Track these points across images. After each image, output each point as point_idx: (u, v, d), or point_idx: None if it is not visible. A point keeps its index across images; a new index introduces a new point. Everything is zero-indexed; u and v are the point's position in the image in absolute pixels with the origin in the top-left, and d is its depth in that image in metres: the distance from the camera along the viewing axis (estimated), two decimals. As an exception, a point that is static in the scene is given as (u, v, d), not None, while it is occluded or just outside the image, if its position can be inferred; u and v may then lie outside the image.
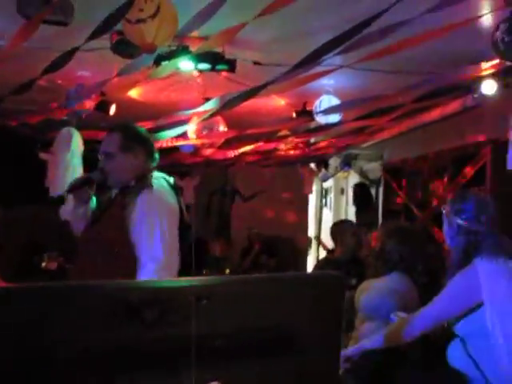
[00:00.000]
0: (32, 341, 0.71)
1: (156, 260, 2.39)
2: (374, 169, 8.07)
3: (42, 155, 5.62)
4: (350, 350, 2.73)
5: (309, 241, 9.97)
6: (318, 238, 8.63)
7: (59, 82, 4.71)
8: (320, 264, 4.97)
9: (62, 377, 0.73)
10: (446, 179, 5.65)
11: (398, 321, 2.62)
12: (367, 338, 2.71)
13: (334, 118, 4.65)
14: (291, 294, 0.92)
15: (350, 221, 5.79)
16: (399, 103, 4.08)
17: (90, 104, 4.37)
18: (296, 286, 0.94)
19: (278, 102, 5.40)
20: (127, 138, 2.61)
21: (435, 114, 4.98)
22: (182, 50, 3.34)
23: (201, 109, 4.12)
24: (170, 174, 2.78)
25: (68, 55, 3.00)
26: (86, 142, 4.99)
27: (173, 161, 6.31)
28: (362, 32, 2.79)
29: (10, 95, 3.52)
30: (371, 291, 3.16)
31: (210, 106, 3.96)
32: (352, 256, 4.40)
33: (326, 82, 4.55)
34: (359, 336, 3.06)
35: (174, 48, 3.41)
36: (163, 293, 0.83)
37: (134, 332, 0.78)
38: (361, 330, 3.11)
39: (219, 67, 3.59)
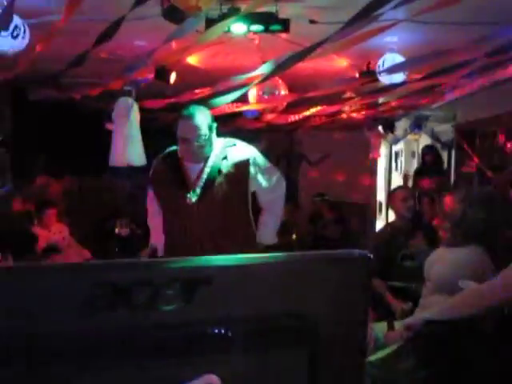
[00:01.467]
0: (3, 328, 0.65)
1: None
2: (446, 130, 7.69)
3: (108, 125, 5.72)
4: (412, 319, 2.61)
5: (378, 205, 9.74)
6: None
7: (118, 52, 4.76)
8: (378, 233, 4.85)
9: (37, 368, 0.67)
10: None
11: (466, 291, 2.45)
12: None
13: (399, 77, 4.40)
14: (308, 276, 0.82)
15: (403, 186, 5.57)
16: (470, 59, 3.77)
17: (148, 72, 4.37)
18: (314, 268, 0.83)
19: (340, 63, 5.19)
20: (208, 118, 2.86)
21: (510, 70, 4.59)
22: (233, 12, 3.22)
23: (257, 72, 4.01)
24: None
25: (116, 24, 2.97)
26: (146, 111, 5.03)
27: (236, 127, 6.26)
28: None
29: (68, 68, 3.56)
30: (445, 263, 2.95)
31: (265, 68, 3.84)
32: (411, 222, 4.23)
33: (389, 39, 4.31)
34: (426, 306, 2.90)
35: (225, 11, 3.30)
36: (156, 274, 0.75)
37: (121, 318, 0.71)
38: (429, 301, 2.93)
39: (273, 28, 3.46)
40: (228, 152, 2.89)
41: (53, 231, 6.14)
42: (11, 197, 6.58)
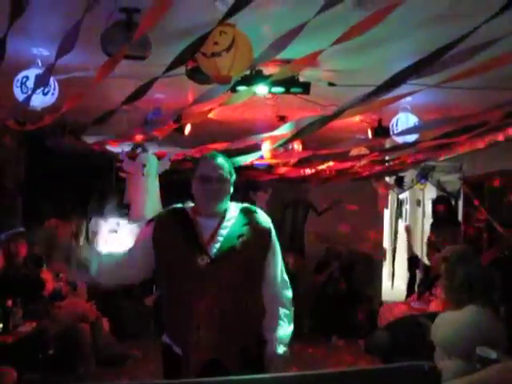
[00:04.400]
0: None
1: None
2: (453, 181, 7.78)
3: (122, 174, 5.82)
4: None
5: (384, 253, 9.74)
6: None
7: (137, 104, 4.88)
8: None
9: None
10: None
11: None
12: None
13: (412, 137, 4.50)
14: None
15: None
16: (482, 121, 3.88)
17: (167, 129, 4.48)
18: (386, 381, 0.88)
19: (352, 118, 5.31)
20: (229, 164, 2.61)
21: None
22: (257, 76, 3.34)
23: (276, 132, 4.09)
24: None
25: (146, 86, 3.07)
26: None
27: (248, 178, 6.34)
28: (444, 56, 2.67)
29: (95, 124, 3.66)
30: (447, 326, 2.96)
31: (285, 129, 3.93)
32: None
33: (403, 99, 4.43)
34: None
35: (248, 73, 3.42)
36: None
37: None
38: (440, 366, 2.93)
39: (293, 90, 3.57)
40: (250, 218, 2.58)
41: (60, 276, 6.13)
42: (21, 240, 6.59)
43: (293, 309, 2.63)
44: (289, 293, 2.62)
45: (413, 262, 7.45)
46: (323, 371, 0.84)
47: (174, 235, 2.51)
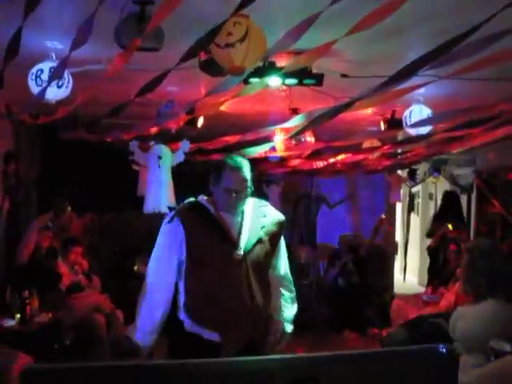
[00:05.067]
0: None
1: None
2: (466, 174, 7.73)
3: (134, 166, 5.84)
4: None
5: (396, 246, 9.72)
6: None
7: (149, 96, 4.90)
8: None
9: None
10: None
11: None
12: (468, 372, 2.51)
13: (425, 129, 4.48)
14: (398, 371, 0.87)
15: None
16: (496, 113, 3.85)
17: (179, 121, 4.50)
18: (408, 363, 0.89)
19: (365, 110, 5.29)
20: (249, 168, 2.84)
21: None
22: (270, 67, 3.34)
23: (288, 124, 4.10)
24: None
25: (159, 78, 3.09)
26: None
27: (260, 170, 6.35)
28: (458, 45, 2.66)
29: (109, 115, 3.69)
30: (467, 320, 2.94)
31: (297, 121, 3.93)
32: None
33: (416, 90, 4.40)
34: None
35: (261, 65, 3.41)
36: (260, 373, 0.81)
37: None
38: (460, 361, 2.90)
39: (306, 82, 3.57)
40: (265, 211, 2.88)
41: (76, 268, 6.19)
42: (46, 231, 6.61)
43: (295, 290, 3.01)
44: (290, 276, 2.99)
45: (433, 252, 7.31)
46: (340, 352, 0.85)
47: (206, 233, 2.72)
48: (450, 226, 6.42)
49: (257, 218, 2.82)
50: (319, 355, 0.83)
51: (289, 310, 2.92)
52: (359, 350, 0.87)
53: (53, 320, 4.87)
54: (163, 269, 2.74)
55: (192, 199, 2.86)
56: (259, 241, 2.77)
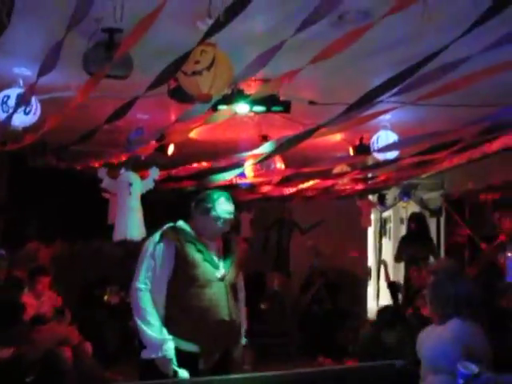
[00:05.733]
0: None
1: None
2: (435, 198, 7.87)
3: (105, 194, 5.78)
4: None
5: (368, 271, 9.76)
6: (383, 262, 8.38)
7: (119, 124, 4.89)
8: None
9: None
10: (512, 212, 5.42)
11: None
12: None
13: (392, 154, 4.57)
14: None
15: None
16: (460, 137, 3.96)
17: (149, 148, 4.49)
18: (360, 379, 0.90)
19: (334, 137, 5.37)
20: None
21: (498, 144, 4.80)
22: (238, 95, 3.38)
23: (257, 151, 4.15)
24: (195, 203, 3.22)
25: (128, 105, 3.10)
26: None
27: (232, 197, 6.35)
28: (419, 71, 2.74)
29: (78, 142, 3.67)
30: (432, 341, 2.95)
31: (266, 148, 3.98)
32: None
33: (383, 116, 4.48)
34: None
35: (230, 92, 3.45)
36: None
37: None
38: (428, 382, 2.91)
39: (274, 109, 3.62)
40: (230, 233, 3.28)
41: (42, 299, 6.03)
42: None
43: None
44: None
45: (393, 288, 7.45)
46: (301, 370, 0.85)
47: (192, 253, 3.05)
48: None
49: (228, 241, 3.26)
50: (278, 373, 0.83)
51: (245, 325, 3.34)
52: (318, 368, 0.88)
53: (15, 355, 4.71)
54: (158, 285, 3.01)
55: (172, 224, 3.16)
56: (233, 261, 3.19)
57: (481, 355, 2.77)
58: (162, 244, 3.03)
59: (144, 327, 2.94)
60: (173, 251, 3.02)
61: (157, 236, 3.09)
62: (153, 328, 2.93)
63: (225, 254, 3.20)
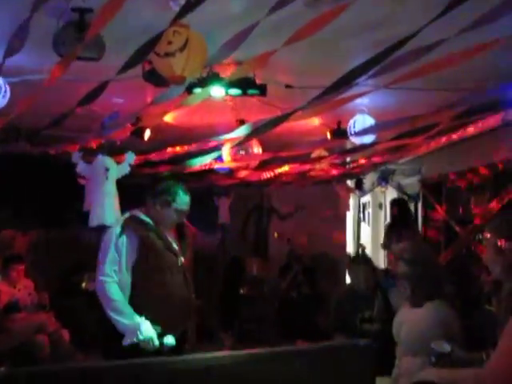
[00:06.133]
0: None
1: None
2: (412, 184, 7.92)
3: (81, 180, 5.70)
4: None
5: (348, 256, 9.83)
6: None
7: (94, 108, 4.80)
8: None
9: None
10: (487, 196, 5.47)
11: (463, 372, 2.34)
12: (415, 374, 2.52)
13: (369, 138, 4.57)
14: (314, 367, 0.88)
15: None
16: (436, 121, 3.97)
17: (125, 132, 4.42)
18: (319, 359, 0.89)
19: (312, 121, 5.36)
20: None
21: (474, 128, 4.83)
22: (213, 77, 3.34)
23: (234, 134, 4.12)
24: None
25: (101, 87, 3.03)
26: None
27: (208, 182, 6.32)
28: (395, 53, 2.73)
29: (50, 126, 3.59)
30: (411, 323, 3.00)
31: (242, 131, 3.95)
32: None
33: (360, 101, 4.47)
34: (402, 372, 2.90)
35: (205, 75, 3.41)
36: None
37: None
38: (404, 362, 2.94)
39: (250, 92, 3.58)
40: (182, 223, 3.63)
41: (18, 287, 5.96)
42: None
43: None
44: None
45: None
46: (273, 349, 0.85)
47: (154, 243, 3.24)
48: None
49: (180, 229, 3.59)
50: (245, 352, 0.82)
51: None
52: (290, 347, 0.87)
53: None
54: (122, 276, 3.15)
55: (129, 214, 3.35)
56: (187, 248, 3.57)
57: (455, 334, 2.83)
58: (124, 236, 3.16)
59: (117, 317, 3.08)
60: (136, 242, 3.18)
61: (118, 228, 3.21)
62: (125, 316, 3.07)
63: (180, 240, 3.46)
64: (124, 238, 3.15)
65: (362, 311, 4.20)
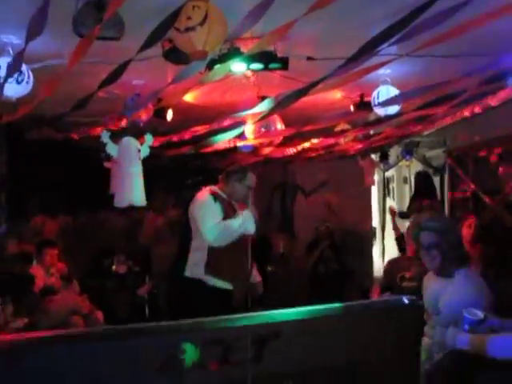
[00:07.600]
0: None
1: None
2: (438, 156, 7.79)
3: (106, 164, 5.74)
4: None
5: (373, 232, 9.76)
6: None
7: (116, 91, 4.81)
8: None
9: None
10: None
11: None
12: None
13: (393, 109, 4.49)
14: (364, 325, 0.86)
15: None
16: (462, 89, 3.87)
17: (147, 113, 4.42)
18: (369, 317, 0.87)
19: (334, 94, 5.29)
20: None
21: (502, 95, 4.70)
22: (234, 52, 3.30)
23: (255, 109, 4.09)
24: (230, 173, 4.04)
25: (121, 68, 3.03)
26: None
27: (232, 161, 6.31)
28: (417, 18, 2.66)
29: (72, 111, 3.61)
30: (451, 293, 2.93)
31: (264, 106, 3.92)
32: None
33: (383, 71, 4.39)
34: (435, 341, 2.86)
35: (226, 51, 3.38)
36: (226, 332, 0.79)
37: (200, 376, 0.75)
38: (438, 334, 2.88)
39: (272, 66, 3.54)
40: None
41: (51, 271, 6.08)
42: (6, 238, 6.52)
43: None
44: None
45: (400, 241, 7.44)
46: (318, 306, 0.84)
47: (231, 212, 4.08)
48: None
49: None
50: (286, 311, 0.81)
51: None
52: (332, 304, 0.86)
53: (29, 325, 4.77)
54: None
55: (209, 189, 4.16)
56: None
57: (488, 302, 2.79)
58: (218, 203, 4.00)
59: (237, 224, 4.02)
60: (219, 209, 3.99)
61: (210, 196, 4.04)
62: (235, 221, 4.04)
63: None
64: (218, 205, 3.98)
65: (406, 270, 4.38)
